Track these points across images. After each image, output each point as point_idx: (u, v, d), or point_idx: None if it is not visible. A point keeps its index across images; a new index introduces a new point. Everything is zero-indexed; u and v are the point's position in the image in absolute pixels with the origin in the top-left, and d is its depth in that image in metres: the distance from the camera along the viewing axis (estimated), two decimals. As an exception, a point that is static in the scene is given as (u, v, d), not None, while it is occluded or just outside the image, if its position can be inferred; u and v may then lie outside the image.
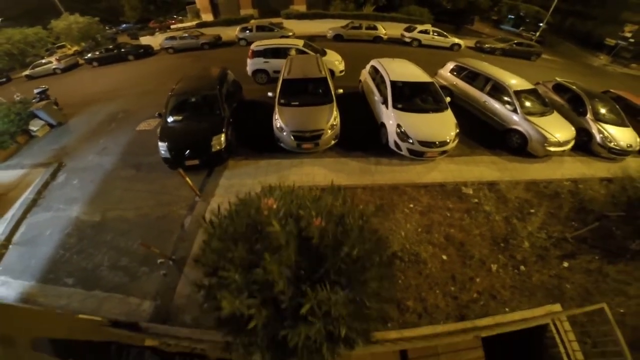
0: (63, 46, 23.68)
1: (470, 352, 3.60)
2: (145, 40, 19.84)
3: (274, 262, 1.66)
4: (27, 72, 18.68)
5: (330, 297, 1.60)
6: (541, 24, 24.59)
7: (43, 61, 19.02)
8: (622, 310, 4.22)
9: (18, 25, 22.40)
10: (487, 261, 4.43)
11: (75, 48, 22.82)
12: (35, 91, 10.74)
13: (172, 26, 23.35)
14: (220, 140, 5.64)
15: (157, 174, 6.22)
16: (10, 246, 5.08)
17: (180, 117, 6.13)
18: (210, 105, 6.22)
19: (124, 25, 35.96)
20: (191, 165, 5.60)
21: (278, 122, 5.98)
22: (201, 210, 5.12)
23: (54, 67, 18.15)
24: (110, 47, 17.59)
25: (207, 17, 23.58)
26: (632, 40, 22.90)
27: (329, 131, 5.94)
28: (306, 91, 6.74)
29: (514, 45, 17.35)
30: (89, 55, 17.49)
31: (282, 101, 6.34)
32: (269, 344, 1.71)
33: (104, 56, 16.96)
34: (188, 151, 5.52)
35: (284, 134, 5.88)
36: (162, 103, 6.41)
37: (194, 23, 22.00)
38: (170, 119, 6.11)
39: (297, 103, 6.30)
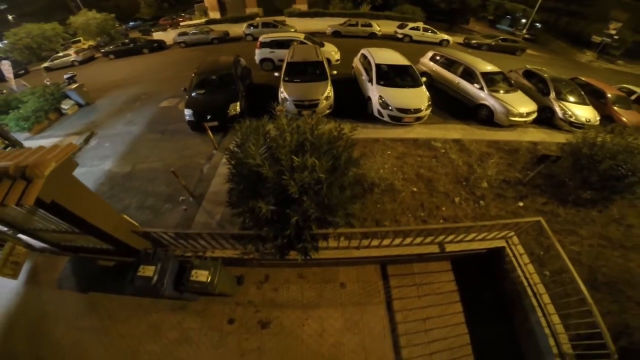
0: (78, 41, 25.09)
1: (441, 276, 4.36)
2: (157, 35, 21.23)
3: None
4: (46, 64, 19.97)
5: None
6: (537, 24, 25.95)
7: (60, 54, 20.41)
8: (576, 249, 4.83)
9: (34, 20, 23.76)
10: (451, 194, 5.44)
11: (90, 43, 24.23)
12: (65, 77, 12.13)
13: (181, 23, 24.79)
14: (236, 107, 7.01)
15: (180, 136, 7.50)
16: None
17: (202, 91, 7.49)
18: (227, 81, 7.61)
19: (131, 23, 37.50)
20: (210, 127, 6.92)
21: (283, 94, 7.33)
22: (217, 160, 6.40)
23: (72, 59, 19.55)
24: (126, 41, 19.02)
25: (215, 15, 24.99)
26: (616, 37, 24.16)
27: (324, 101, 7.29)
28: (306, 71, 8.08)
29: (500, 41, 18.80)
30: (106, 48, 18.90)
31: (286, 78, 7.70)
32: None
33: (121, 49, 18.39)
34: (209, 116, 6.84)
35: (287, 103, 7.22)
36: (181, 87, 7.70)
37: (203, 20, 23.42)
38: (194, 93, 7.47)
39: (298, 80, 7.67)
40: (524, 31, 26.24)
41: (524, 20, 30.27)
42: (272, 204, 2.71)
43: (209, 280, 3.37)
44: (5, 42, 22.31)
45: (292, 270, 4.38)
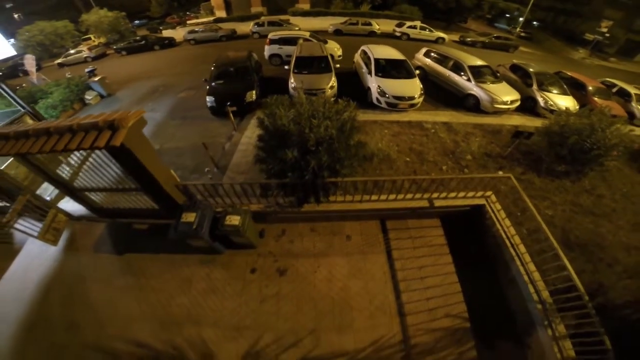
0: (88, 38, 26.01)
1: (432, 230, 4.93)
2: (166, 33, 22.19)
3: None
4: (59, 60, 20.78)
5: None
6: (535, 23, 26.78)
7: (72, 51, 21.30)
8: (550, 213, 5.44)
9: (42, 19, 24.52)
10: (439, 163, 6.31)
11: (100, 40, 25.14)
12: (86, 70, 13.18)
13: (188, 22, 25.73)
14: (252, 95, 8.01)
15: (200, 121, 8.41)
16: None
17: (221, 81, 8.49)
18: (243, 73, 8.63)
19: (137, 22, 38.39)
20: (231, 111, 7.87)
21: (293, 84, 8.29)
22: (237, 139, 7.34)
23: (85, 55, 20.43)
24: (138, 38, 19.94)
25: (221, 13, 25.92)
26: (607, 35, 25.04)
27: (329, 90, 8.24)
28: (312, 64, 9.03)
29: (493, 38, 19.79)
30: (119, 45, 19.82)
31: (295, 70, 8.67)
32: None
33: (133, 46, 19.31)
34: (229, 102, 7.79)
35: (295, 92, 8.17)
36: (196, 80, 8.54)
37: (211, 19, 24.35)
38: (214, 83, 8.46)
39: (306, 72, 8.64)
40: (519, 29, 27.10)
41: (522, 19, 31.23)
42: (295, 153, 3.66)
43: (240, 223, 4.04)
44: (19, 39, 23.22)
45: (305, 224, 5.10)
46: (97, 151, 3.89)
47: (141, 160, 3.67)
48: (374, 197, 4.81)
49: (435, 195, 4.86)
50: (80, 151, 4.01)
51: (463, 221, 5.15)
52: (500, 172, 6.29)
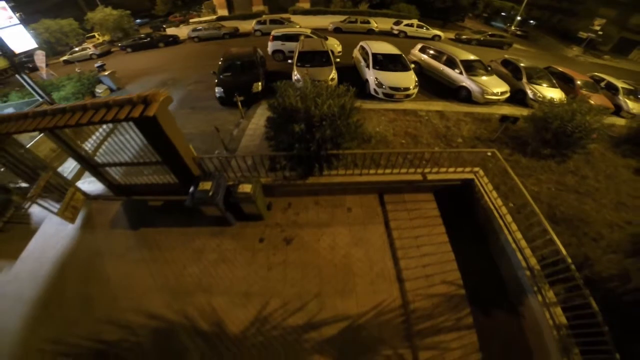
0: (92, 36, 26.49)
1: (426, 204, 5.33)
2: (170, 31, 22.70)
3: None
4: (65, 57, 21.24)
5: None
6: (532, 22, 27.33)
7: (77, 49, 21.78)
8: (536, 189, 5.77)
9: (46, 17, 24.93)
10: (432, 145, 6.81)
11: (104, 38, 25.63)
12: (96, 65, 13.64)
13: (191, 20, 26.27)
14: (258, 86, 8.58)
15: (209, 110, 8.96)
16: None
17: (229, 74, 9.06)
18: (250, 66, 9.23)
19: (138, 20, 38.86)
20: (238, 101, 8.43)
21: (296, 76, 8.83)
22: (244, 126, 7.89)
23: (91, 52, 20.90)
24: (143, 35, 20.45)
25: (223, 12, 26.44)
26: (600, 33, 25.64)
27: (330, 82, 8.76)
28: (314, 58, 9.59)
29: (488, 36, 20.44)
30: (124, 42, 20.33)
31: (298, 64, 9.23)
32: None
33: (138, 43, 19.83)
34: (237, 93, 8.33)
35: (299, 83, 8.72)
36: (203, 74, 9.06)
37: (213, 17, 24.89)
38: (222, 75, 9.03)
39: (308, 65, 9.18)
40: (513, 28, 27.75)
41: (519, 18, 31.82)
42: (302, 127, 4.22)
43: (252, 191, 4.44)
44: (25, 37, 23.59)
45: (309, 198, 5.56)
46: (120, 129, 4.40)
47: (167, 133, 4.21)
48: (372, 171, 5.26)
49: (427, 170, 5.33)
50: (107, 126, 4.51)
51: (455, 196, 5.51)
52: (489, 153, 6.78)
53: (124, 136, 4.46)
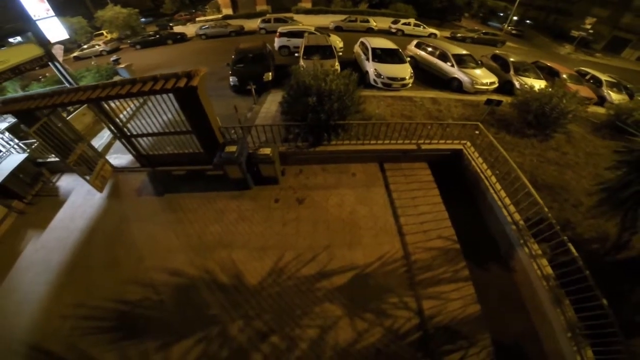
0: (101, 34, 27.30)
1: (421, 171, 6.16)
2: (177, 29, 23.57)
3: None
4: (76, 54, 21.90)
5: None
6: (528, 21, 28.21)
7: (86, 46, 22.62)
8: (519, 160, 6.22)
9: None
10: (425, 124, 7.64)
11: (113, 35, 26.43)
12: (111, 59, 14.54)
13: (197, 19, 27.20)
14: (269, 76, 9.51)
15: (223, 98, 9.75)
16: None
17: (242, 65, 10.00)
18: (261, 58, 10.18)
19: (143, 19, 39.68)
20: (249, 89, 9.28)
21: (302, 67, 9.73)
22: (257, 110, 8.74)
23: (101, 49, 21.68)
24: (151, 32, 21.32)
25: (227, 11, 27.38)
26: (591, 31, 26.61)
27: (333, 71, 9.71)
28: (318, 52, 10.46)
29: (482, 34, 21.43)
30: (134, 39, 21.20)
31: (305, 57, 10.12)
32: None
33: (147, 40, 20.67)
34: (250, 81, 9.23)
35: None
36: (213, 68, 10.12)
37: (219, 16, 25.81)
38: (235, 67, 9.96)
39: (313, 57, 10.05)
40: (507, 27, 28.79)
41: (515, 18, 32.76)
42: (314, 99, 5.14)
43: (271, 153, 5.27)
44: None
45: (318, 166, 6.36)
46: (154, 102, 5.11)
47: (203, 104, 5.09)
48: (373, 142, 6.16)
49: (421, 141, 6.20)
50: (138, 101, 5.11)
51: (446, 166, 6.25)
52: (477, 131, 7.16)
53: (156, 109, 5.22)
